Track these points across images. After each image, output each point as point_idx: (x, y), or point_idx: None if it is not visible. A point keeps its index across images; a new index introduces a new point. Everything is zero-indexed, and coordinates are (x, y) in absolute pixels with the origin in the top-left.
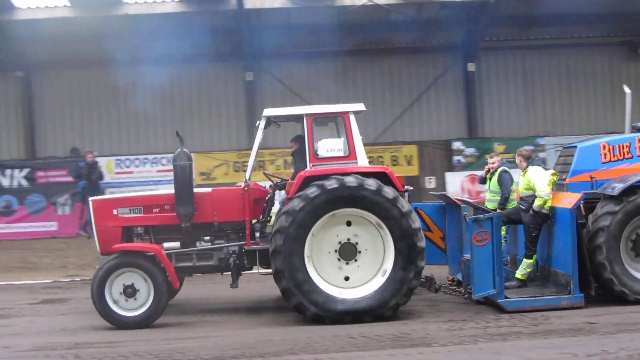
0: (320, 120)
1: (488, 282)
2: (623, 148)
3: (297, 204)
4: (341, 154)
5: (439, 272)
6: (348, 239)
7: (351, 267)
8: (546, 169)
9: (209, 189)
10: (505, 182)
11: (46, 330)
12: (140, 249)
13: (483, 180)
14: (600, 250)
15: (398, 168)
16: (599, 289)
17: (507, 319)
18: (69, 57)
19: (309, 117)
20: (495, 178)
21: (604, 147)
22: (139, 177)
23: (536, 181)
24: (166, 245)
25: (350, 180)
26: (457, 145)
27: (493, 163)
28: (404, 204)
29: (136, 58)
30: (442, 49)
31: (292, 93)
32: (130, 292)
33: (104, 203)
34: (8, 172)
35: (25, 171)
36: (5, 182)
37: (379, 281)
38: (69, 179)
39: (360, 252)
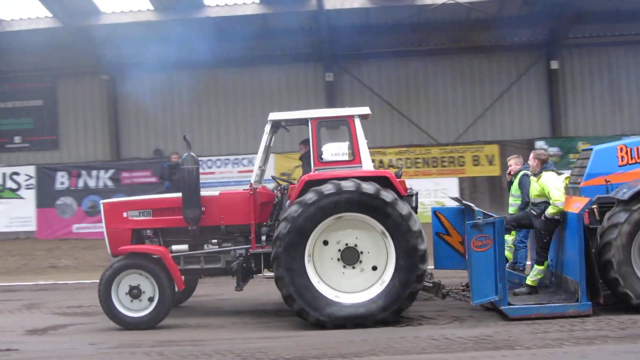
0: (327, 124)
1: (489, 288)
2: None
3: (295, 209)
4: (346, 157)
5: (456, 277)
6: (347, 244)
7: (354, 272)
8: (559, 174)
9: (216, 193)
10: (526, 186)
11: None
12: (146, 251)
13: (509, 187)
14: (609, 250)
15: (479, 168)
16: (611, 297)
17: (593, 322)
18: (152, 60)
19: (313, 121)
20: (516, 181)
21: (622, 149)
22: (220, 178)
23: (551, 189)
24: (175, 247)
25: (348, 185)
26: (540, 144)
27: (510, 166)
28: (404, 207)
29: (218, 60)
30: (524, 47)
31: (372, 93)
32: (135, 293)
33: (115, 206)
34: (94, 173)
35: (111, 172)
36: (92, 183)
37: (380, 286)
38: (153, 179)
39: (362, 256)
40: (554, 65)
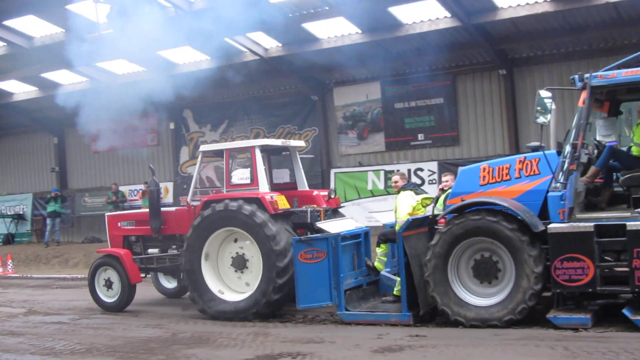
0: (238, 152)
1: (321, 295)
2: (502, 170)
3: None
4: (248, 181)
5: None
6: (244, 253)
7: (236, 275)
8: (418, 194)
9: (173, 208)
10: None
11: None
12: (112, 253)
13: (436, 201)
14: (426, 267)
15: None
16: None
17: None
18: (549, 52)
19: (227, 151)
20: (442, 198)
21: (484, 169)
22: None
23: (399, 207)
24: (150, 250)
25: (219, 205)
26: None
27: (447, 182)
28: (260, 217)
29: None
30: None
31: None
32: (109, 284)
33: (114, 217)
34: None
35: None
36: None
37: (253, 287)
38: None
39: (246, 270)
40: None
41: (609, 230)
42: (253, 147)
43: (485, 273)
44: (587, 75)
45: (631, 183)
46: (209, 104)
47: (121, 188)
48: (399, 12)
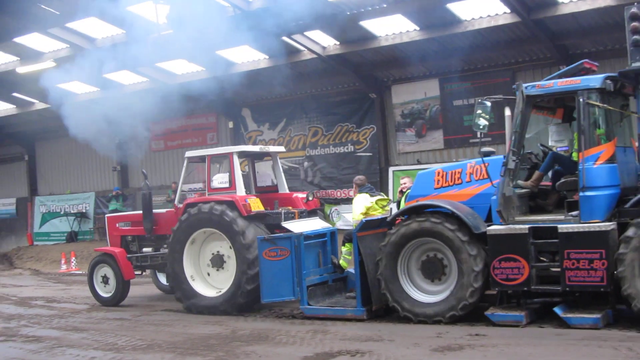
0: (217, 159)
1: (284, 290)
2: (455, 174)
3: (176, 224)
4: (226, 185)
5: None
6: (218, 252)
7: (219, 272)
8: (373, 196)
9: (163, 210)
10: None
11: None
12: (108, 251)
13: (399, 204)
14: (379, 266)
15: None
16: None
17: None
18: (611, 47)
19: (208, 157)
20: (403, 199)
21: (439, 173)
22: None
23: (354, 209)
24: (144, 249)
25: (205, 207)
26: None
27: (405, 184)
28: (240, 224)
29: None
30: None
31: None
32: (105, 280)
33: (113, 218)
34: None
35: None
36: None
37: (231, 280)
38: None
39: (225, 265)
40: None
41: (543, 233)
42: (231, 153)
43: (433, 271)
44: (524, 85)
45: (566, 187)
46: (267, 102)
47: None
48: (457, 8)
